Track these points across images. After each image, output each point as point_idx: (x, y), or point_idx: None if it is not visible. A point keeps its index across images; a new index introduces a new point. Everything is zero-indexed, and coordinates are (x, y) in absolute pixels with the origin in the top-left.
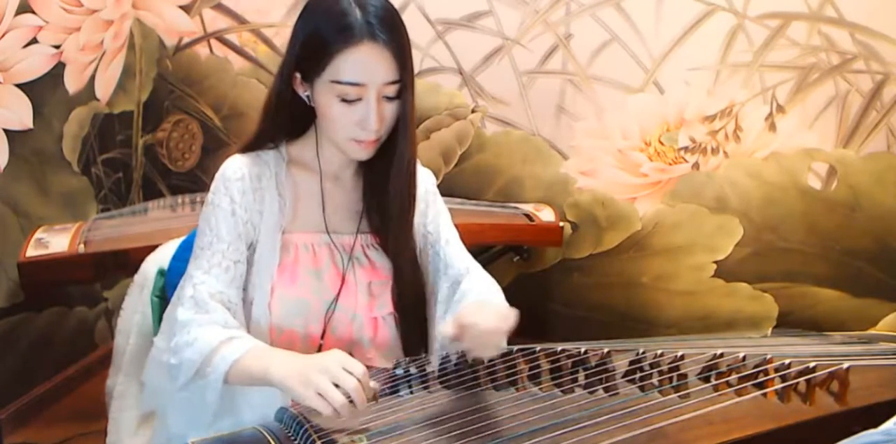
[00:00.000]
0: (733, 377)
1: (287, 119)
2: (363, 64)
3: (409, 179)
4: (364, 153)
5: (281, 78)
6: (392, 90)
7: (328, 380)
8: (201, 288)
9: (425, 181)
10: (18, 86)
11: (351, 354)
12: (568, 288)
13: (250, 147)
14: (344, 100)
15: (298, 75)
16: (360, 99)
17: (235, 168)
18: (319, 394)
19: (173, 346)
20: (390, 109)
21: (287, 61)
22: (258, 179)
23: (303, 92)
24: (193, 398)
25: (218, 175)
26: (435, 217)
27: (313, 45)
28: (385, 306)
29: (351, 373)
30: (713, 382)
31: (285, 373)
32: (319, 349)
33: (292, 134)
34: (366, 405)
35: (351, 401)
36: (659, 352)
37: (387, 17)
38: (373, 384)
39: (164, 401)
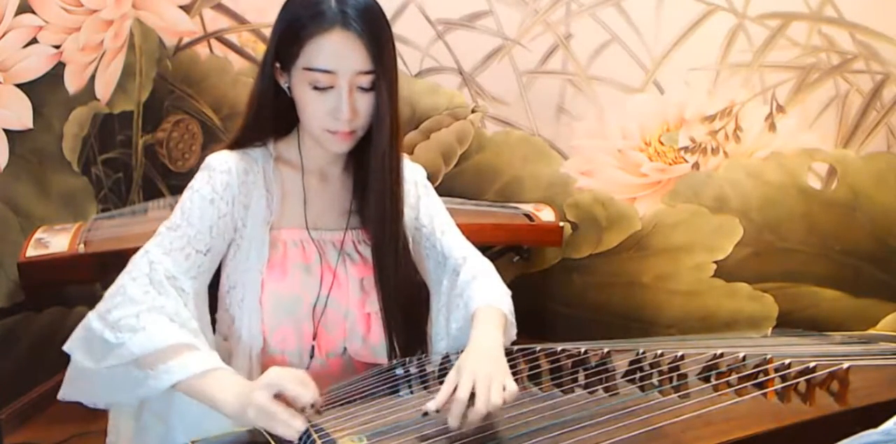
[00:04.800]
0: (733, 377)
1: (271, 114)
2: (333, 51)
3: (390, 175)
4: (340, 145)
5: (263, 70)
6: (366, 81)
7: (268, 422)
8: (158, 267)
9: (414, 174)
10: (18, 86)
11: (345, 349)
12: (568, 288)
13: (237, 144)
14: (316, 87)
15: (278, 65)
16: (332, 87)
17: (222, 160)
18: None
19: (113, 319)
20: (365, 101)
21: (268, 52)
22: (245, 174)
23: (283, 82)
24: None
25: (203, 166)
26: (428, 209)
27: (289, 33)
28: (377, 302)
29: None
30: (713, 382)
31: (234, 410)
32: (313, 348)
33: (279, 132)
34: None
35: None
36: (659, 352)
37: (363, 7)
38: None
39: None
